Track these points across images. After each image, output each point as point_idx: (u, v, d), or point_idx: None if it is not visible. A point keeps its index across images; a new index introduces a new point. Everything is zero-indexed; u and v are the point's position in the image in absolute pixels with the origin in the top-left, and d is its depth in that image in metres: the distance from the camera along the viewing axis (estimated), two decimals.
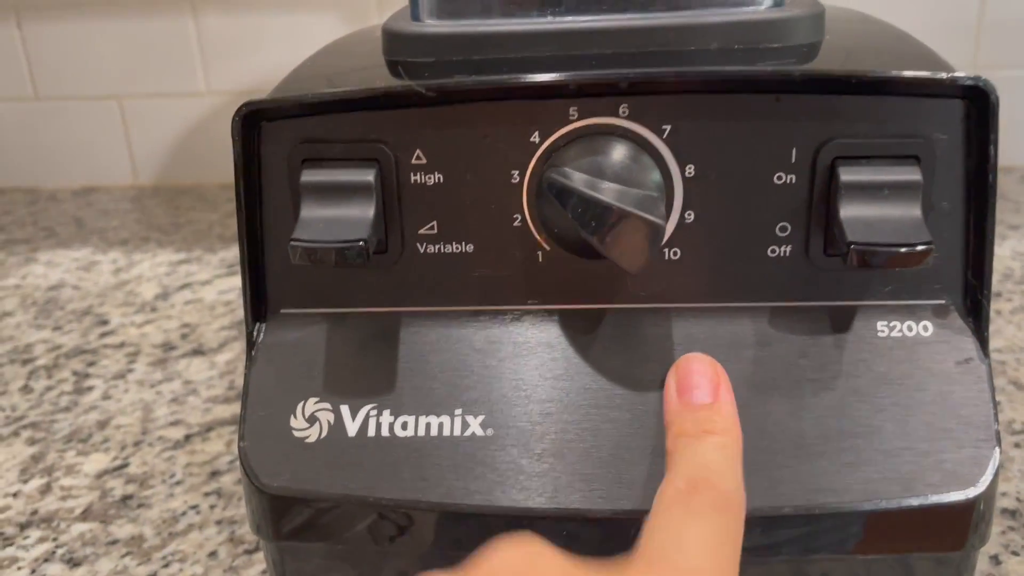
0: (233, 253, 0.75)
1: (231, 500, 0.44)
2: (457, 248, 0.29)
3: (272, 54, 0.84)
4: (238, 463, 0.44)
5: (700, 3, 0.31)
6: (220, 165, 0.89)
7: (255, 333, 0.30)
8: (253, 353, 0.30)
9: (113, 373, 0.56)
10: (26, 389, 0.55)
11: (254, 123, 0.28)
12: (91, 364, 0.58)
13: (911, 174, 0.26)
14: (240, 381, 0.55)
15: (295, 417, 0.29)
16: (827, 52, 0.30)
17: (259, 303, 0.30)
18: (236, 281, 0.69)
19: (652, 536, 0.22)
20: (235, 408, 0.51)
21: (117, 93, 0.88)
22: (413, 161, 0.28)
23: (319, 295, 0.30)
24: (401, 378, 0.29)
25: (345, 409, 0.29)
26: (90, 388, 0.55)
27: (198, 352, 0.59)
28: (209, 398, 0.53)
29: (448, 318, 0.30)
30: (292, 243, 0.27)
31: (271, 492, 0.28)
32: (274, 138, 0.28)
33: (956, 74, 0.26)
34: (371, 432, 0.28)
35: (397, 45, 0.31)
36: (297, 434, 0.28)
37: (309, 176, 0.28)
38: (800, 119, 0.27)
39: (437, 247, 0.29)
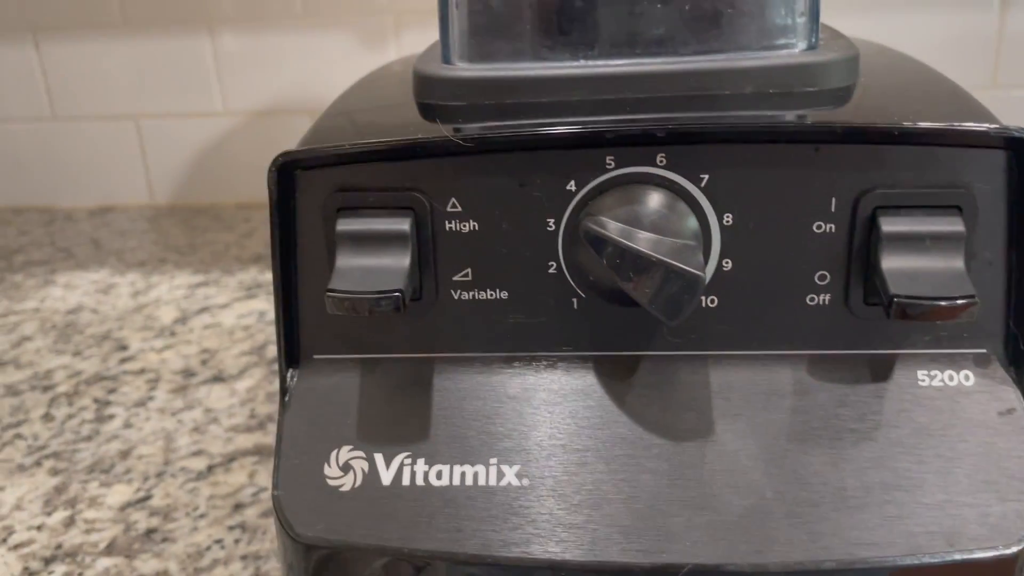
0: (251, 275, 0.75)
1: (255, 534, 0.43)
2: (491, 295, 0.29)
3: (289, 74, 0.84)
4: (272, 510, 0.44)
5: (734, 47, 0.31)
6: (236, 185, 0.89)
7: (288, 379, 0.30)
8: (286, 399, 0.29)
9: (134, 400, 0.56)
10: (47, 417, 0.55)
11: (289, 172, 0.28)
12: (111, 391, 0.58)
13: (954, 225, 0.26)
14: (261, 409, 0.55)
15: (329, 465, 0.28)
16: (864, 97, 0.29)
17: (292, 349, 0.30)
18: (254, 304, 0.69)
19: None
20: (257, 438, 0.51)
21: (134, 112, 0.88)
22: (448, 209, 0.28)
23: (352, 341, 0.30)
24: (435, 426, 0.29)
25: (379, 457, 0.28)
26: (111, 416, 0.55)
27: (218, 379, 0.58)
28: (231, 427, 0.53)
29: (482, 365, 0.29)
30: (328, 294, 0.26)
31: (306, 543, 0.28)
32: (309, 186, 0.28)
33: (999, 125, 0.26)
34: (406, 481, 0.28)
35: (428, 88, 0.31)
36: (331, 483, 0.28)
37: (344, 225, 0.28)
38: (840, 169, 0.27)
39: (471, 294, 0.29)
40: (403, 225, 0.28)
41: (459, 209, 0.28)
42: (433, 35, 0.95)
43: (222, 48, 0.85)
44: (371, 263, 0.27)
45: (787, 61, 0.30)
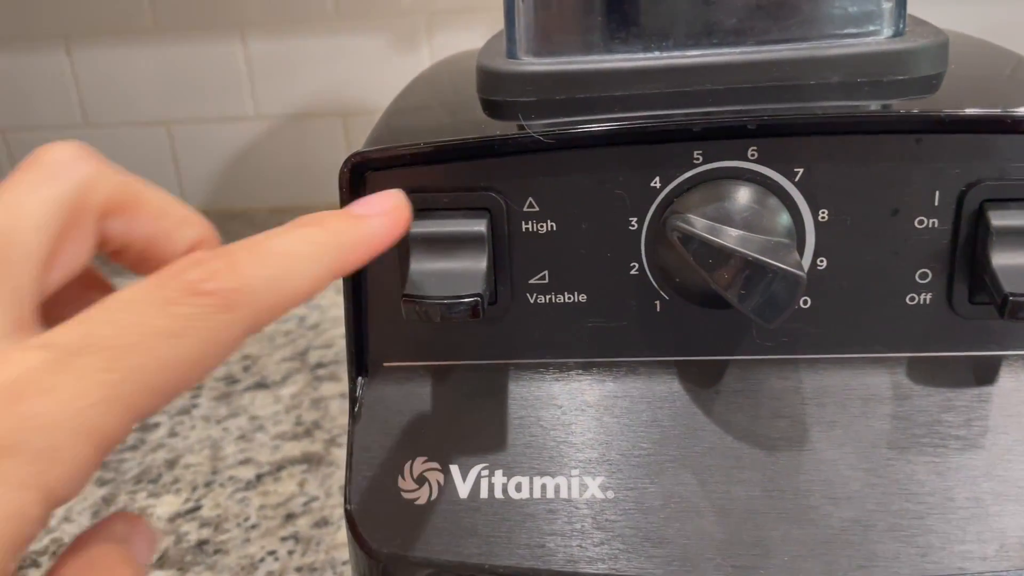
0: None
1: (309, 545, 0.42)
2: (569, 298, 0.28)
3: (321, 77, 0.83)
4: (325, 520, 0.43)
5: (817, 34, 0.29)
6: (269, 190, 0.89)
7: (358, 388, 0.28)
8: (356, 409, 0.28)
9: (177, 408, 0.55)
10: None
11: (360, 172, 0.27)
12: None
13: None
14: (307, 416, 0.54)
15: (403, 478, 0.27)
16: (956, 85, 0.28)
17: (361, 357, 0.29)
18: (293, 309, 0.68)
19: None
20: (304, 445, 0.50)
21: (165, 118, 0.88)
22: (525, 209, 0.27)
23: (423, 348, 0.29)
24: (512, 435, 0.28)
25: (455, 469, 0.27)
26: (156, 425, 0.54)
27: (261, 385, 0.58)
28: (277, 435, 0.52)
29: (559, 371, 0.28)
30: (405, 299, 0.25)
31: (382, 559, 0.26)
32: (381, 187, 0.27)
33: None
34: (484, 494, 0.27)
35: (495, 84, 0.30)
36: (406, 496, 0.27)
37: (418, 228, 0.26)
38: (944, 160, 0.25)
39: (548, 297, 0.28)
40: (479, 226, 0.26)
41: (536, 209, 0.27)
42: (466, 36, 0.93)
43: (253, 52, 0.84)
44: (446, 266, 0.26)
45: (875, 48, 0.28)
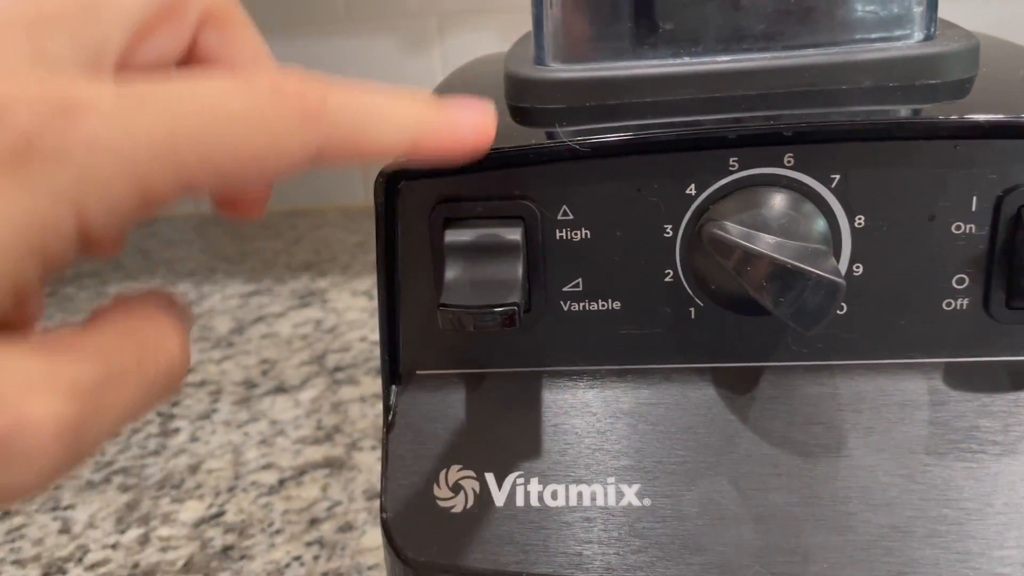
0: (302, 283, 0.74)
1: (335, 550, 0.42)
2: (603, 305, 0.28)
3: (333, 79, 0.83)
4: (350, 524, 0.43)
5: (847, 39, 0.29)
6: (282, 191, 0.89)
7: (391, 397, 0.28)
8: (391, 418, 0.28)
9: (198, 413, 0.56)
10: None
11: (395, 183, 0.27)
12: (175, 404, 0.57)
13: None
14: (327, 420, 0.54)
15: (438, 486, 0.27)
16: (989, 89, 0.28)
17: (395, 365, 0.29)
18: (310, 313, 0.68)
19: None
20: (325, 450, 0.50)
21: None
22: (559, 217, 0.27)
23: (456, 356, 0.29)
24: (546, 443, 0.28)
25: (490, 477, 0.27)
26: (176, 430, 0.54)
27: (281, 390, 0.58)
28: (298, 439, 0.52)
29: (593, 378, 0.28)
30: (441, 308, 0.25)
31: (419, 567, 0.26)
32: (414, 197, 0.27)
33: None
34: (520, 502, 0.27)
35: (523, 90, 0.30)
36: (442, 504, 0.27)
37: (453, 236, 0.26)
38: (981, 165, 0.25)
39: (582, 305, 0.28)
40: (514, 235, 0.26)
41: (570, 217, 0.27)
42: (477, 37, 0.93)
43: None
44: (482, 275, 0.26)
45: (907, 53, 0.28)
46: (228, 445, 0.52)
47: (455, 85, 0.38)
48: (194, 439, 0.53)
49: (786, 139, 0.25)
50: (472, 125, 0.22)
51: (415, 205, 0.27)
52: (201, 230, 0.88)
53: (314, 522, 0.45)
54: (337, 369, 0.60)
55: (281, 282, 0.75)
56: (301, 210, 0.88)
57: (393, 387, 0.29)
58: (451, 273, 0.26)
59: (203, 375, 0.61)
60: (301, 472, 0.49)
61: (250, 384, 0.59)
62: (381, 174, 0.26)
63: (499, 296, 0.25)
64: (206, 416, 0.56)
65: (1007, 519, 0.25)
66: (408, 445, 0.28)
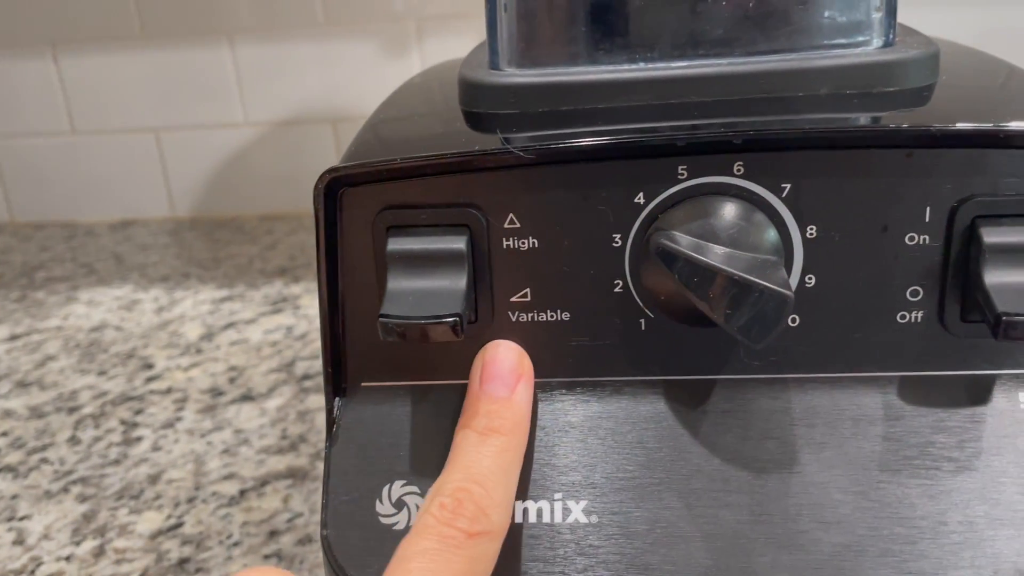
0: (276, 288, 0.73)
1: (292, 563, 0.42)
2: (552, 316, 0.27)
3: (310, 83, 0.83)
4: (309, 536, 0.42)
5: (805, 45, 0.29)
6: (258, 196, 0.88)
7: (335, 409, 0.28)
8: (334, 431, 0.28)
9: (161, 422, 0.55)
10: (74, 440, 0.54)
11: (336, 189, 0.26)
12: (138, 412, 0.56)
13: None
14: (292, 429, 0.53)
15: (381, 502, 0.26)
16: (948, 97, 0.27)
17: (339, 377, 0.28)
18: (281, 319, 0.67)
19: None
20: (289, 460, 0.49)
21: (154, 126, 0.87)
22: (506, 225, 0.26)
23: (402, 367, 0.28)
24: None
25: None
26: (139, 439, 0.53)
27: (247, 398, 0.57)
28: (262, 448, 0.51)
29: (542, 391, 0.27)
30: (381, 319, 0.24)
31: None
32: (357, 204, 0.26)
33: None
34: None
35: (476, 96, 0.29)
36: (384, 520, 0.26)
37: (395, 244, 0.26)
38: (935, 175, 0.24)
39: (530, 315, 0.27)
40: (458, 243, 0.26)
41: (517, 225, 0.26)
42: (456, 41, 0.93)
43: (242, 58, 0.84)
44: (425, 285, 0.25)
45: (865, 60, 0.28)
46: (190, 454, 0.51)
47: (415, 91, 0.37)
48: (156, 448, 0.52)
49: (735, 147, 0.25)
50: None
51: (357, 212, 0.26)
52: (176, 235, 0.87)
53: (273, 534, 0.44)
54: (305, 377, 0.59)
55: (254, 287, 0.74)
56: (278, 215, 0.87)
57: (336, 400, 0.28)
58: (393, 283, 0.25)
59: (170, 382, 0.60)
60: (263, 483, 0.48)
61: (217, 392, 0.58)
62: (320, 180, 0.25)
63: (442, 307, 0.25)
64: (170, 425, 0.55)
65: (961, 538, 0.24)
66: (351, 460, 0.27)
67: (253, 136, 0.87)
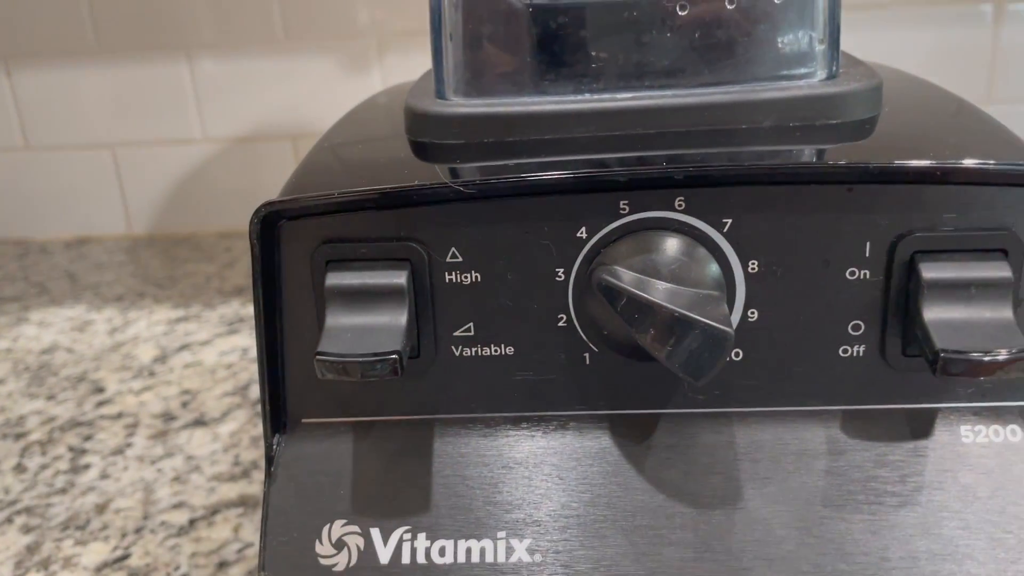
0: (233, 309, 0.72)
1: None
2: (496, 351, 0.27)
3: (270, 99, 0.82)
4: (249, 556, 0.41)
5: (749, 77, 0.29)
6: (217, 213, 0.87)
7: (274, 447, 0.27)
8: (272, 470, 0.27)
9: (111, 448, 0.53)
10: (19, 468, 0.52)
11: (273, 223, 0.25)
12: (87, 438, 0.55)
13: (1000, 270, 0.24)
14: (245, 456, 0.52)
15: (321, 542, 0.26)
16: (890, 130, 0.27)
17: (278, 413, 0.27)
18: (237, 340, 0.66)
19: None
20: (241, 487, 0.48)
21: (110, 141, 0.85)
22: (448, 259, 0.26)
23: (344, 403, 0.27)
24: (436, 495, 0.26)
25: (376, 532, 0.26)
26: (87, 466, 0.52)
27: (200, 423, 0.56)
28: (213, 476, 0.50)
29: (487, 426, 0.27)
30: (318, 358, 0.24)
31: None
32: (295, 238, 0.26)
33: None
34: (406, 559, 0.26)
35: (421, 125, 0.29)
36: (324, 562, 0.26)
37: (334, 279, 0.25)
38: (875, 210, 0.24)
39: (474, 350, 0.27)
40: (399, 279, 0.25)
41: (460, 260, 0.26)
42: (418, 58, 0.92)
43: (201, 74, 0.83)
44: (364, 321, 0.25)
45: (808, 92, 0.28)
46: (140, 482, 0.50)
47: (363, 116, 0.36)
48: (104, 476, 0.51)
49: (677, 183, 0.24)
50: None
51: (296, 246, 0.26)
52: (132, 252, 0.85)
53: (223, 565, 0.43)
54: (259, 380, 0.58)
55: (210, 308, 0.73)
56: (236, 232, 0.86)
57: (276, 436, 0.27)
58: (332, 319, 0.25)
59: (121, 407, 0.58)
60: (213, 511, 0.47)
61: (169, 417, 0.57)
62: (256, 214, 0.25)
63: (381, 344, 0.24)
64: (119, 451, 0.53)
65: (903, 574, 0.24)
66: (290, 498, 0.26)
67: (212, 152, 0.86)
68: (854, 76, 0.29)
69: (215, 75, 0.82)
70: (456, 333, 0.26)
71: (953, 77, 0.75)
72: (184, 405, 0.58)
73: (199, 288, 0.76)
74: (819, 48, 0.29)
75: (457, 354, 0.27)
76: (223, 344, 0.66)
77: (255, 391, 0.59)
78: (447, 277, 0.26)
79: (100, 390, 0.61)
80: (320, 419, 0.27)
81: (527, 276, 0.26)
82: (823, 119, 0.27)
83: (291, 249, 0.26)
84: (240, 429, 0.54)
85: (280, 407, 0.27)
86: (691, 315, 0.23)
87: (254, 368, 0.62)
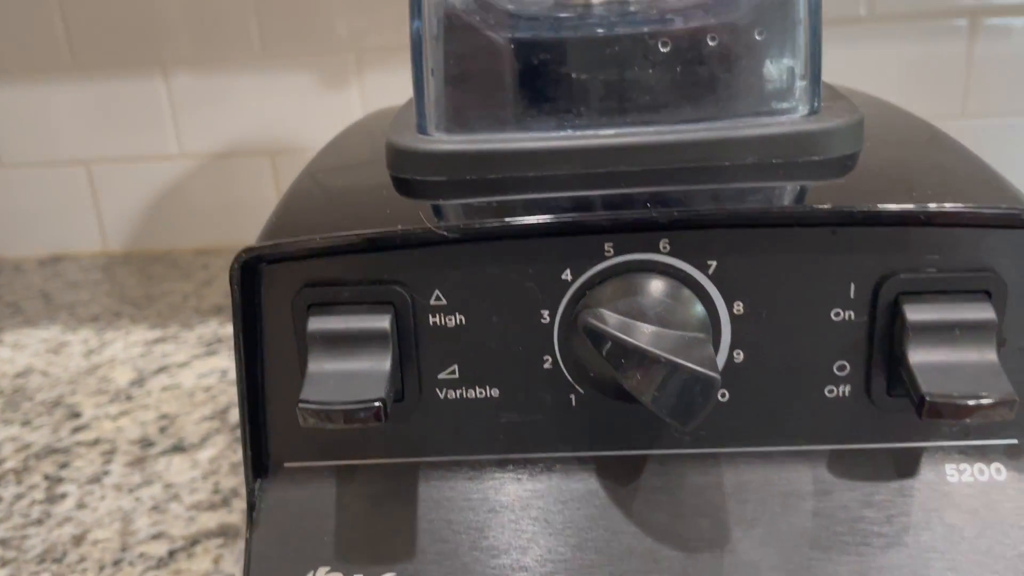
0: (211, 329, 0.71)
1: None
2: (481, 393, 0.26)
3: (247, 114, 0.81)
4: None
5: (732, 113, 0.29)
6: (194, 230, 0.86)
7: (256, 492, 0.27)
8: (254, 515, 0.26)
9: (88, 476, 0.52)
10: None
11: (254, 267, 0.25)
12: (64, 466, 0.54)
13: (983, 312, 0.24)
14: (225, 483, 0.51)
15: None
16: (873, 168, 0.27)
17: (259, 457, 0.27)
18: (215, 362, 0.66)
19: None
20: (221, 516, 0.48)
21: (85, 158, 0.84)
22: (432, 302, 0.26)
23: (327, 447, 0.27)
24: (421, 541, 0.26)
25: None
26: (63, 495, 0.51)
27: (178, 448, 0.55)
28: (192, 504, 0.49)
29: (472, 469, 0.27)
30: (301, 405, 0.24)
31: None
32: (276, 281, 0.25)
33: None
34: None
35: (403, 162, 0.29)
36: None
37: (317, 324, 0.25)
38: (859, 252, 0.24)
39: (459, 392, 0.26)
40: (382, 323, 0.25)
41: (444, 302, 0.26)
42: (397, 74, 0.91)
43: (176, 89, 0.82)
44: (347, 367, 0.24)
45: (790, 129, 0.28)
46: (118, 512, 0.49)
47: (345, 148, 0.36)
48: (81, 505, 0.50)
49: (661, 225, 0.24)
50: None
51: (277, 290, 0.25)
52: (108, 270, 0.84)
53: None
54: (239, 425, 0.57)
55: (188, 328, 0.72)
56: (214, 249, 0.85)
57: (257, 482, 0.27)
58: (314, 364, 0.25)
59: (98, 433, 0.58)
60: (193, 542, 0.46)
61: (146, 443, 0.56)
62: (237, 260, 0.24)
63: (365, 390, 0.24)
64: (96, 479, 0.52)
65: None
66: (273, 545, 0.26)
67: (188, 168, 0.85)
68: (836, 111, 0.29)
69: (191, 90, 0.81)
70: (440, 375, 0.26)
71: (928, 91, 0.76)
72: (162, 430, 0.57)
73: (176, 307, 0.75)
74: (801, 83, 0.29)
75: (442, 397, 0.26)
76: (201, 366, 0.65)
77: (234, 415, 0.58)
78: (431, 320, 0.26)
79: (76, 415, 0.60)
80: (302, 463, 0.27)
81: (512, 318, 0.26)
82: (805, 156, 0.27)
83: (272, 293, 0.25)
84: (219, 455, 0.54)
85: (262, 451, 0.27)
86: (677, 360, 0.23)
87: (233, 391, 0.61)
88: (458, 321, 0.26)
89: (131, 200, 0.85)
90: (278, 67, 0.81)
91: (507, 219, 0.24)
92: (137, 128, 0.82)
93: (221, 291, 0.79)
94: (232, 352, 0.66)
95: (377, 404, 0.23)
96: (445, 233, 0.24)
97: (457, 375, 0.26)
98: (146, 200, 0.85)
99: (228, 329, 0.71)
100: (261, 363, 0.26)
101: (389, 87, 0.80)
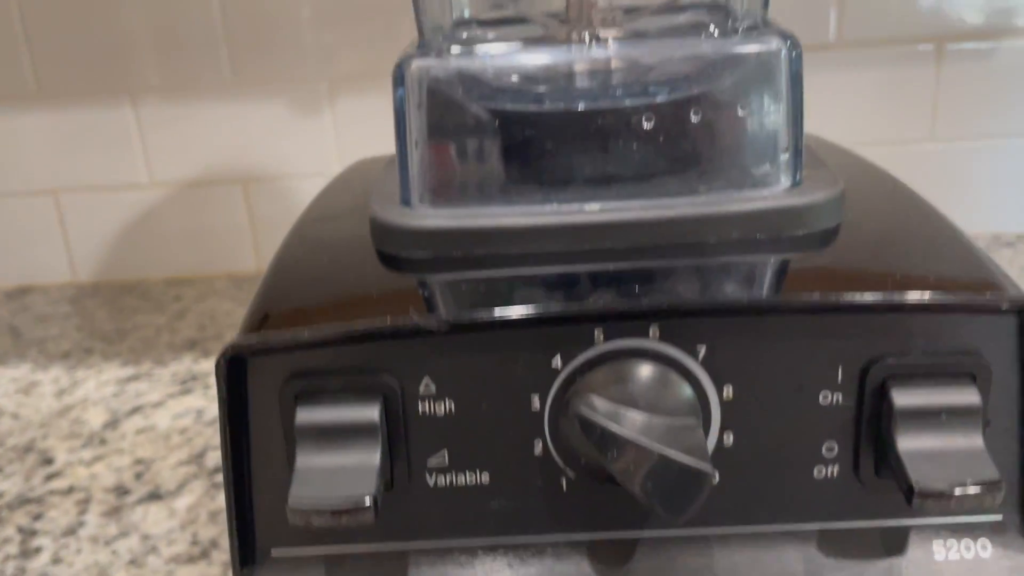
0: (185, 365, 0.70)
1: None
2: (471, 479, 0.26)
3: (218, 142, 0.80)
4: None
5: (715, 186, 0.29)
6: (164, 259, 0.84)
7: None
8: None
9: (63, 528, 0.51)
10: None
11: (240, 361, 0.25)
12: (37, 517, 0.53)
13: (969, 396, 0.24)
14: (203, 533, 0.50)
15: None
16: (855, 243, 0.28)
17: (246, 545, 0.26)
18: (190, 401, 0.65)
19: None
20: (201, 569, 0.47)
21: (52, 187, 0.83)
22: (421, 390, 0.25)
23: (315, 534, 0.27)
24: None
25: None
26: (38, 549, 0.50)
27: (155, 496, 0.54)
28: (171, 557, 0.48)
29: (462, 555, 0.27)
30: (291, 505, 0.23)
31: None
32: (263, 372, 0.25)
33: (1011, 293, 0.24)
34: None
35: (388, 237, 0.29)
36: None
37: (305, 416, 0.24)
38: (846, 337, 0.25)
39: (448, 478, 0.26)
40: (371, 413, 0.25)
41: (433, 390, 0.25)
42: (369, 101, 0.90)
43: (146, 117, 0.81)
44: (336, 461, 0.24)
45: (773, 205, 0.28)
46: (94, 567, 0.48)
47: (326, 216, 0.36)
48: (57, 560, 0.49)
49: (651, 312, 0.24)
50: None
51: (263, 380, 0.25)
52: (77, 303, 0.82)
53: None
54: (217, 470, 0.56)
55: (162, 364, 0.71)
56: (185, 278, 0.84)
57: (243, 570, 0.26)
58: (302, 459, 0.24)
59: (71, 480, 0.56)
60: None
61: (122, 491, 0.55)
62: (223, 356, 0.24)
63: (354, 486, 0.24)
64: (72, 531, 0.51)
65: None
66: None
67: (159, 197, 0.83)
68: (817, 182, 0.29)
69: (161, 118, 0.80)
70: (430, 462, 0.26)
71: (897, 116, 0.77)
72: (137, 476, 0.56)
73: (149, 342, 0.74)
74: (783, 157, 0.29)
75: (431, 483, 0.26)
76: (176, 406, 0.64)
77: (211, 459, 0.57)
78: (420, 408, 0.25)
79: (49, 461, 0.59)
80: (290, 550, 0.27)
81: (502, 405, 0.26)
82: (788, 231, 0.28)
83: (258, 384, 0.25)
84: (197, 503, 0.53)
85: (248, 539, 0.26)
86: (668, 453, 0.23)
87: (209, 432, 0.60)
88: (448, 408, 0.25)
89: (100, 229, 0.84)
90: (249, 94, 0.80)
91: (496, 312, 0.24)
92: (106, 156, 0.81)
93: (194, 324, 0.78)
94: (206, 390, 0.65)
95: (368, 504, 0.23)
96: (435, 328, 0.24)
97: (447, 461, 0.26)
98: (115, 229, 0.84)
99: (202, 366, 0.70)
100: (247, 452, 0.26)
101: (362, 113, 0.80)
